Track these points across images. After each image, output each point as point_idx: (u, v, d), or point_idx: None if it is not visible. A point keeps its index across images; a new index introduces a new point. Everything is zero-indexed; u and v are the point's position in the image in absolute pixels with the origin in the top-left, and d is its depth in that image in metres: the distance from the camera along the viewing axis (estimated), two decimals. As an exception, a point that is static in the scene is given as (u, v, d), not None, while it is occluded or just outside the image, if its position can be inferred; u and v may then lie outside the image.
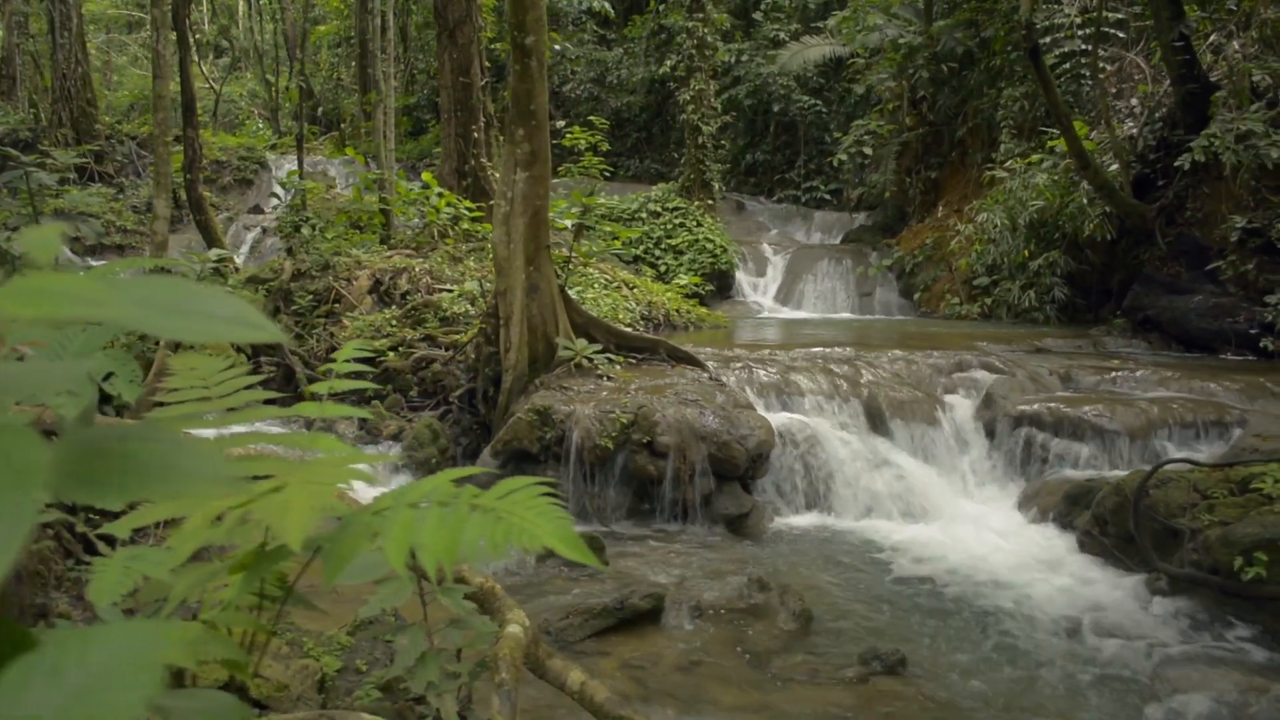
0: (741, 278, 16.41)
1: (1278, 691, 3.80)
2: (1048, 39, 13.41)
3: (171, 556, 1.33)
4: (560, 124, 17.70)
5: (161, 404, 1.62)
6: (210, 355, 6.39)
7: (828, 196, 20.83)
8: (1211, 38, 11.47)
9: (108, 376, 1.80)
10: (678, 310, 11.11)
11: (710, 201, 16.67)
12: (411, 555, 2.81)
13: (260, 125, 23.56)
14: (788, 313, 15.34)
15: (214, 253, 6.58)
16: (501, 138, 10.95)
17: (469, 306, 8.65)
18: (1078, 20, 13.01)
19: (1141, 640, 4.34)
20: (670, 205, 16.20)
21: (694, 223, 15.91)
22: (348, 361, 1.98)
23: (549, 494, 1.30)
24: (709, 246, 15.56)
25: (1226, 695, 3.78)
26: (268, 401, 1.98)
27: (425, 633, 2.51)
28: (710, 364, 7.39)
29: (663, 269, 15.10)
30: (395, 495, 1.38)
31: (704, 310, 12.06)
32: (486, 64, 12.57)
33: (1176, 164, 9.59)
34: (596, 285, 10.38)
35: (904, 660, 3.91)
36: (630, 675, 3.88)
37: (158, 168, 6.68)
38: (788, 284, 16.29)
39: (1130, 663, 4.12)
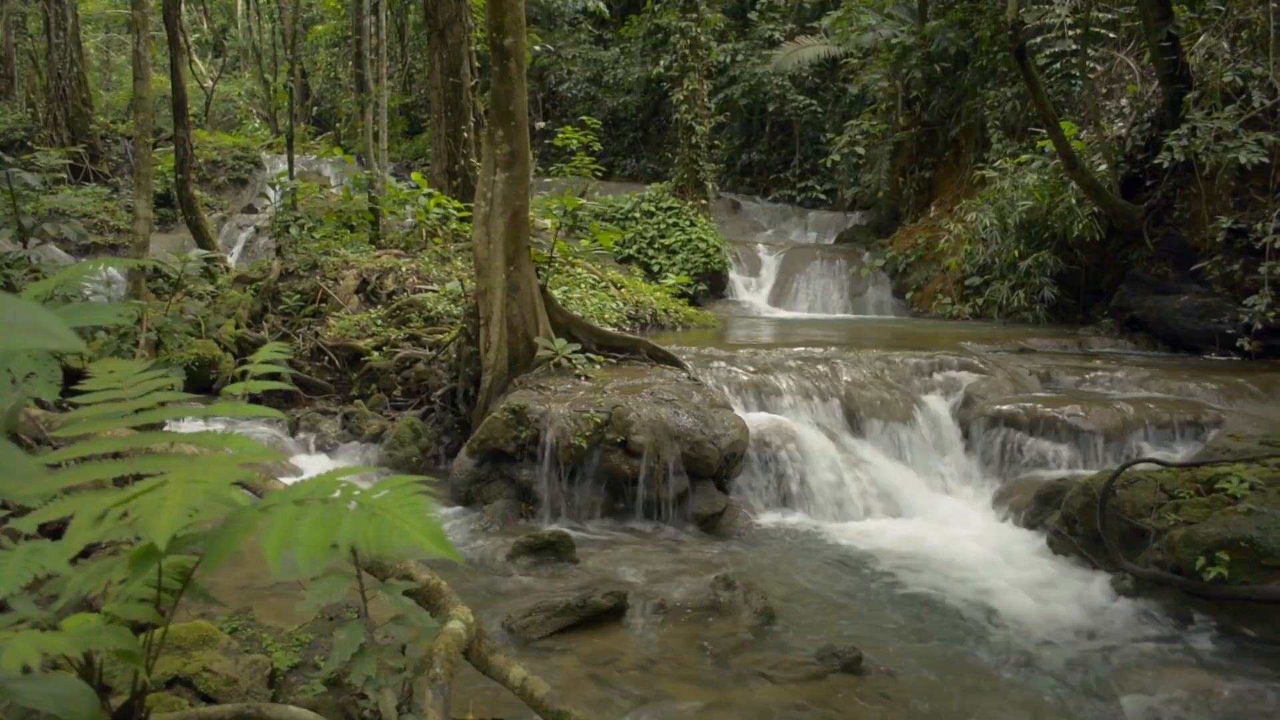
0: (735, 277, 16.44)
1: (1229, 690, 3.83)
2: (1038, 39, 13.43)
3: (63, 551, 1.37)
4: (540, 125, 17.73)
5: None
6: (196, 351, 6.44)
7: (823, 196, 20.86)
8: (1201, 38, 11.48)
9: (29, 377, 1.84)
10: (666, 310, 11.14)
11: (704, 201, 16.70)
12: (353, 552, 2.84)
13: (258, 125, 23.63)
14: (780, 313, 15.37)
15: (196, 253, 6.64)
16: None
17: (453, 306, 8.70)
18: (1068, 20, 13.01)
19: (1102, 639, 4.37)
20: (664, 205, 16.24)
21: (687, 222, 15.95)
22: (265, 363, 2.02)
23: (425, 491, 1.34)
24: (702, 246, 15.59)
25: (1180, 694, 3.81)
26: (184, 401, 2.02)
27: (364, 628, 2.55)
28: (690, 364, 7.43)
29: (656, 269, 15.14)
30: (283, 493, 1.42)
31: (693, 310, 12.10)
32: (477, 64, 12.61)
33: (1156, 162, 9.62)
34: (583, 285, 10.42)
35: (860, 658, 3.94)
36: (589, 672, 3.92)
37: (138, 168, 6.73)
38: (781, 284, 16.31)
39: (1089, 662, 4.15)
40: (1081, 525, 5.35)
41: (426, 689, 2.48)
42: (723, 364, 7.61)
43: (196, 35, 26.98)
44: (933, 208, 16.36)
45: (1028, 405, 6.83)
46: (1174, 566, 4.72)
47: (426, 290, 9.11)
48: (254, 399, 8.15)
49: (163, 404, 1.73)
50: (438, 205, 10.75)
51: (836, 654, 3.94)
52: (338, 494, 1.39)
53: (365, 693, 2.51)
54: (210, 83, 23.36)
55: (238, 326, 8.95)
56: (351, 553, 2.59)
